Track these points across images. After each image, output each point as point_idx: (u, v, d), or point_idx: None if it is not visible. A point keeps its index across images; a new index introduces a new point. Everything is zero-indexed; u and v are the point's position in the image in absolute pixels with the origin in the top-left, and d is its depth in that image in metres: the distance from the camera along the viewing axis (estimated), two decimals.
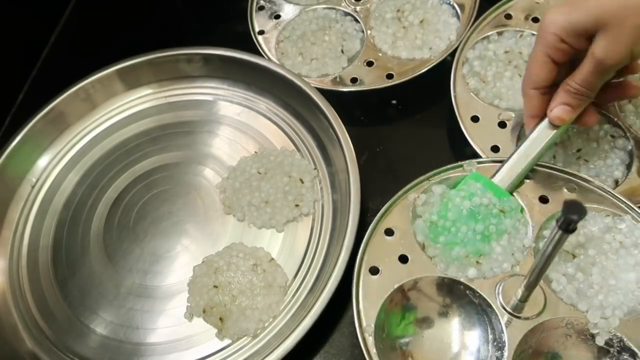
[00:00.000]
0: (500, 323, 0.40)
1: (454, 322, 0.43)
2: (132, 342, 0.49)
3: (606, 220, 0.43)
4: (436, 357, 0.42)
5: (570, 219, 0.30)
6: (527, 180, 0.46)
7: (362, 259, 0.44)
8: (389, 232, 0.45)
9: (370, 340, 0.41)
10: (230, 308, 0.48)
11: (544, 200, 0.45)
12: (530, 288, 0.39)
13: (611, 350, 0.39)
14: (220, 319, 0.48)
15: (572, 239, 0.42)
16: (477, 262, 0.43)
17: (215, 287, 0.49)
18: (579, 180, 0.45)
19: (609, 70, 0.41)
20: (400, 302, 0.43)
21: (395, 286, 0.43)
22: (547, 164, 0.46)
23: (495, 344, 0.41)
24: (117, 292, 0.52)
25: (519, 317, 0.40)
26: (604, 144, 0.49)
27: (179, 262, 0.52)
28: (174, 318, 0.50)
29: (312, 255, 0.51)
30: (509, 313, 0.41)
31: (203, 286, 0.49)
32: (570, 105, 0.43)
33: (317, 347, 0.48)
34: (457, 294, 0.43)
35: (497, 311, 0.41)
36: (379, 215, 0.46)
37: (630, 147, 0.48)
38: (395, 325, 0.43)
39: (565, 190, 0.45)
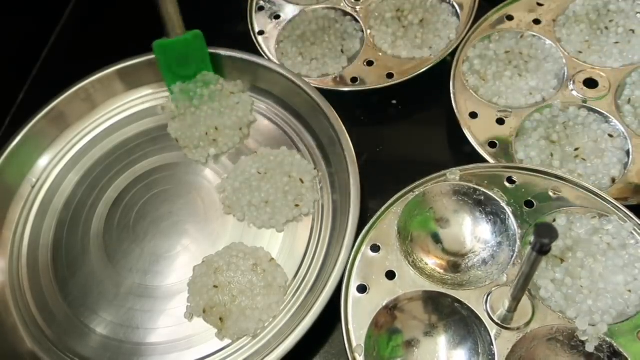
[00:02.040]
0: (489, 335, 0.40)
1: (443, 338, 0.43)
2: (132, 342, 0.49)
3: (592, 221, 0.43)
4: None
5: (542, 242, 0.31)
6: (509, 185, 0.46)
7: (349, 275, 0.44)
8: (375, 248, 0.45)
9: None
10: (230, 308, 0.48)
11: (529, 204, 0.45)
12: (516, 299, 0.39)
13: (601, 355, 0.39)
14: (220, 319, 0.48)
15: (559, 243, 0.42)
16: None
17: (215, 287, 0.49)
18: (563, 182, 0.45)
19: None
20: (386, 323, 0.43)
21: (384, 303, 0.42)
22: (529, 167, 0.46)
23: (485, 356, 0.40)
24: (117, 292, 0.52)
25: (507, 328, 0.40)
26: (601, 143, 0.49)
27: (179, 262, 0.52)
28: (174, 318, 0.50)
29: (312, 255, 0.51)
30: (497, 324, 0.41)
31: (203, 286, 0.49)
32: None
33: (317, 347, 0.48)
34: (444, 307, 0.43)
35: (485, 323, 0.41)
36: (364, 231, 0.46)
37: (628, 147, 0.49)
38: (384, 348, 0.43)
39: (551, 193, 0.45)
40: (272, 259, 0.51)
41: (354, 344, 0.41)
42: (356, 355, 0.41)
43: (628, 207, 0.43)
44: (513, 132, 0.51)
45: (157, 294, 0.51)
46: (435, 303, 0.43)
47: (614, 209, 0.43)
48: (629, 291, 0.40)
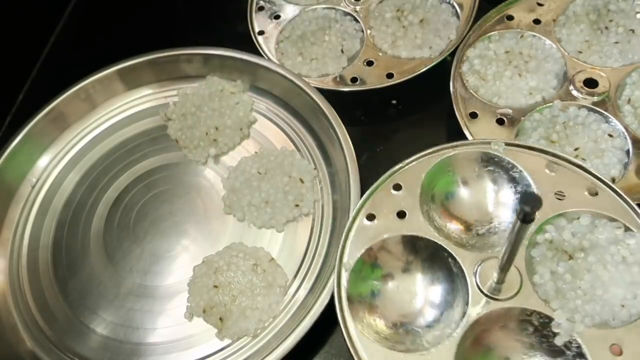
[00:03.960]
0: (467, 295, 0.41)
1: (426, 282, 0.44)
2: (132, 342, 0.49)
3: (617, 232, 0.42)
4: (400, 310, 0.43)
5: (524, 209, 0.30)
6: (548, 172, 0.45)
7: (363, 204, 0.46)
8: (397, 186, 0.46)
9: (345, 275, 0.43)
10: (230, 308, 0.48)
11: (560, 195, 0.44)
12: (503, 270, 0.39)
13: (567, 353, 0.39)
14: (220, 319, 0.48)
15: (574, 241, 0.42)
16: None
17: (215, 287, 0.49)
18: (604, 188, 0.43)
19: None
20: (375, 257, 0.44)
21: (385, 236, 0.44)
22: (578, 162, 0.45)
23: (458, 313, 0.41)
24: (117, 292, 0.52)
25: (487, 295, 0.41)
26: (601, 143, 0.49)
27: (179, 262, 0.52)
28: (174, 318, 0.50)
29: (312, 255, 0.51)
30: (479, 289, 0.41)
31: (203, 286, 0.49)
32: None
33: (317, 347, 0.48)
34: (437, 258, 0.44)
35: (469, 285, 0.41)
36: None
37: (628, 147, 0.49)
38: (368, 277, 0.44)
39: (586, 193, 0.43)
40: (272, 259, 0.51)
41: (345, 259, 0.44)
42: (343, 269, 0.43)
43: None
44: (513, 132, 0.51)
45: (157, 294, 0.51)
46: (425, 249, 0.44)
47: None
48: (622, 306, 0.39)
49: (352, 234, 0.45)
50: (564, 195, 0.44)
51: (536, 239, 0.42)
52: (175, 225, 0.55)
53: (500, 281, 0.40)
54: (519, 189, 0.46)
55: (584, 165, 0.44)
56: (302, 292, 0.49)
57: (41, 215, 0.57)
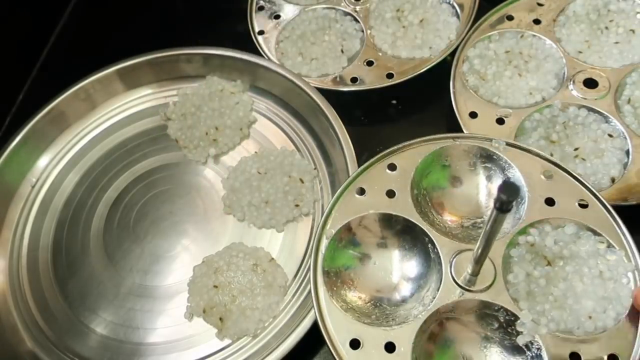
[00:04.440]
0: (440, 282, 0.41)
1: (402, 262, 0.45)
2: (132, 342, 0.49)
3: (599, 246, 0.41)
4: (373, 285, 0.44)
5: (501, 198, 0.30)
6: (544, 178, 0.45)
7: (356, 177, 0.46)
8: (392, 166, 0.47)
9: (325, 242, 0.44)
10: (230, 308, 0.48)
11: (549, 202, 0.44)
12: (478, 262, 0.39)
13: (527, 353, 0.39)
14: (220, 319, 0.48)
15: (555, 248, 0.41)
16: None
17: (215, 287, 0.49)
18: (593, 198, 0.43)
19: None
20: (356, 230, 0.45)
21: (370, 212, 0.45)
22: (574, 173, 0.44)
23: (428, 296, 0.42)
24: (117, 292, 0.52)
25: (459, 285, 0.41)
26: (601, 143, 0.49)
27: (179, 262, 0.52)
28: (174, 318, 0.50)
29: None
30: (454, 279, 0.41)
31: (203, 286, 0.49)
32: None
33: (317, 347, 0.48)
34: (415, 240, 0.45)
35: (443, 271, 0.42)
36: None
37: (628, 147, 0.49)
38: (346, 249, 0.45)
39: (577, 204, 0.43)
40: (272, 259, 0.51)
41: (328, 227, 0.44)
42: (324, 237, 0.44)
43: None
44: (513, 131, 0.51)
45: (157, 294, 0.51)
46: (407, 231, 0.45)
47: (627, 246, 0.41)
48: (590, 317, 0.39)
49: (339, 203, 0.45)
50: (554, 202, 0.44)
51: (518, 239, 0.43)
52: (175, 225, 0.55)
53: (475, 273, 0.40)
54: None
55: (580, 177, 0.44)
56: (302, 292, 0.49)
57: (41, 215, 0.57)
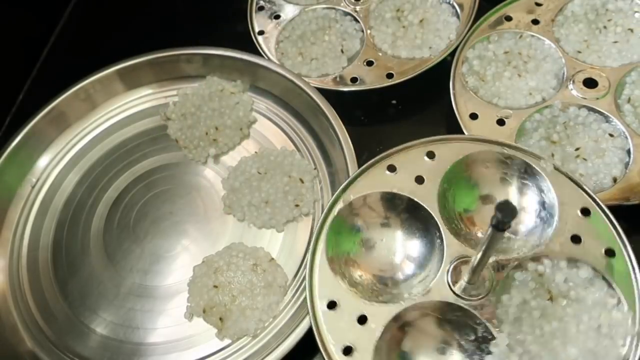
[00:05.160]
0: (435, 276, 0.41)
1: (402, 239, 0.46)
2: (132, 342, 0.49)
3: (609, 299, 0.39)
4: (374, 261, 0.45)
5: (498, 217, 0.31)
6: (580, 215, 0.43)
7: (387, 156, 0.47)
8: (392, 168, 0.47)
9: (340, 205, 0.45)
10: (230, 308, 0.48)
11: (576, 239, 0.42)
12: (475, 273, 0.39)
13: None
14: (220, 319, 0.48)
15: (563, 286, 0.40)
16: None
17: (215, 287, 0.49)
18: (622, 247, 0.41)
19: None
20: (372, 204, 0.46)
21: (394, 190, 0.45)
22: (612, 218, 0.43)
23: (423, 289, 0.42)
24: (117, 292, 0.52)
25: (452, 290, 0.41)
26: (602, 143, 0.49)
27: (179, 262, 0.52)
28: (174, 318, 0.50)
29: None
30: (450, 287, 0.41)
31: (203, 286, 0.49)
32: None
33: (317, 347, 0.48)
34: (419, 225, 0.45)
35: (442, 270, 0.42)
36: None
37: (629, 146, 0.49)
38: (356, 219, 0.46)
39: (603, 251, 0.41)
40: (272, 259, 0.51)
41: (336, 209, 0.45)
42: (341, 199, 0.45)
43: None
44: (513, 132, 0.51)
45: (157, 294, 0.51)
46: (421, 219, 0.45)
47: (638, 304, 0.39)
48: None
49: (364, 176, 0.46)
50: (580, 241, 0.42)
51: (527, 264, 0.41)
52: (175, 225, 0.55)
53: (471, 282, 0.40)
54: (542, 214, 0.44)
55: (617, 225, 0.42)
56: (302, 292, 0.49)
57: (41, 215, 0.57)
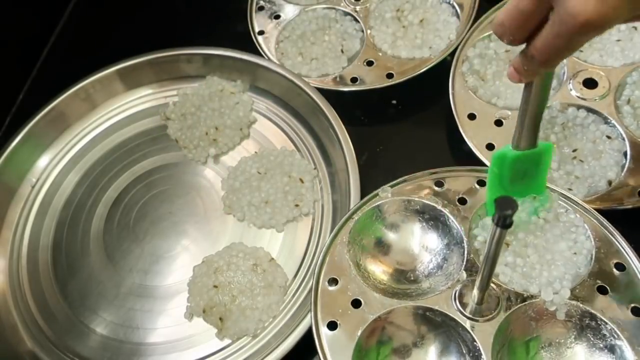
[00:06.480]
0: (468, 332, 0.40)
1: (428, 351, 0.42)
2: (132, 342, 0.49)
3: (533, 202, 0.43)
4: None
5: (504, 214, 0.31)
6: (439, 189, 0.47)
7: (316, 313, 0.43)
8: (334, 281, 0.44)
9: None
10: (230, 308, 0.48)
11: (462, 201, 0.46)
12: (483, 289, 0.39)
13: (573, 319, 0.40)
14: (220, 319, 0.48)
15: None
16: None
17: (215, 287, 0.49)
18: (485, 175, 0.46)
19: (587, 31, 0.30)
20: (366, 344, 0.42)
21: (358, 332, 0.41)
22: (452, 168, 0.48)
23: (471, 355, 0.40)
24: (117, 292, 0.52)
25: (479, 320, 0.40)
26: (599, 144, 0.49)
27: (179, 262, 0.52)
28: (174, 318, 0.50)
29: (312, 255, 0.51)
30: (471, 319, 0.41)
31: (203, 286, 0.49)
32: (518, 71, 0.35)
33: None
34: (418, 321, 0.43)
35: (460, 322, 0.41)
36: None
37: (625, 149, 0.48)
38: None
39: (476, 185, 0.47)
40: (272, 259, 0.51)
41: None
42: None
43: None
44: (511, 133, 0.51)
45: (157, 294, 0.51)
46: (408, 318, 0.43)
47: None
48: (575, 254, 0.41)
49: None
50: (466, 200, 0.46)
51: (476, 246, 0.44)
52: (175, 225, 0.55)
53: (482, 301, 0.40)
54: (427, 216, 0.47)
55: (456, 168, 0.47)
56: (302, 292, 0.49)
57: (41, 215, 0.57)
